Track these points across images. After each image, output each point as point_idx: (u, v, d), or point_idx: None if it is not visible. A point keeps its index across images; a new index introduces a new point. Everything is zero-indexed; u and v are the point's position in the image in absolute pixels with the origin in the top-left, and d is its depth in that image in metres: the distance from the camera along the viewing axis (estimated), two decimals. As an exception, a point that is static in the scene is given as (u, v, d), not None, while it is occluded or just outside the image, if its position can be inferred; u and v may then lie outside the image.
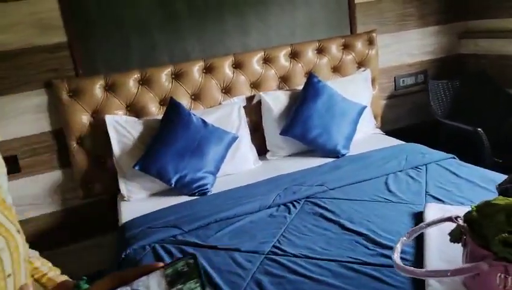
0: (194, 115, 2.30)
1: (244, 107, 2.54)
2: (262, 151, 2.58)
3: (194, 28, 2.46)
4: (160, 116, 2.33)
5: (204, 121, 2.29)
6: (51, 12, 2.17)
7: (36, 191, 2.31)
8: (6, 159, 2.29)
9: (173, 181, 2.17)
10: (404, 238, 1.08)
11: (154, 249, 1.68)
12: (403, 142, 2.53)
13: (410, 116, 3.11)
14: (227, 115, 2.43)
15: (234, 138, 2.35)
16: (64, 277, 0.79)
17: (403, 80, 3.06)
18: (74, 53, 2.26)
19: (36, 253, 0.82)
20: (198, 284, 0.55)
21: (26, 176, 2.27)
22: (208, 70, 2.51)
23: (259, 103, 2.58)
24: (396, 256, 1.00)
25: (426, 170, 2.06)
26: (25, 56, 2.18)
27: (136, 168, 2.17)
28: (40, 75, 2.22)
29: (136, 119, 2.36)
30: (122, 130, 2.27)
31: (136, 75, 2.36)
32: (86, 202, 2.40)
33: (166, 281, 0.54)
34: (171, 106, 2.31)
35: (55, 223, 2.37)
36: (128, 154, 2.25)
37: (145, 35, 2.38)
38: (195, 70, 2.47)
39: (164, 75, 2.41)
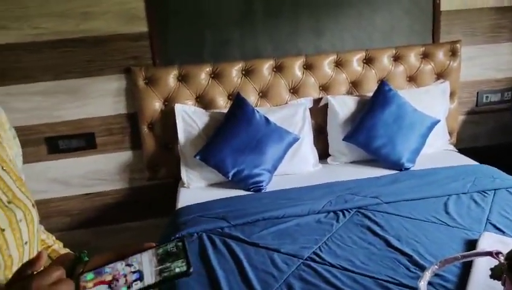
0: (258, 112, 2.34)
1: (310, 109, 2.53)
2: (324, 155, 2.56)
3: (268, 27, 2.49)
4: (226, 110, 2.40)
5: (267, 119, 2.32)
6: (136, 3, 2.33)
7: (107, 168, 2.50)
8: (85, 135, 2.49)
9: (230, 174, 2.23)
10: (436, 266, 1.02)
11: (201, 238, 1.75)
12: (476, 163, 2.36)
13: (490, 135, 2.89)
14: (292, 115, 2.44)
15: (295, 139, 2.35)
16: (67, 250, 0.85)
17: (487, 96, 2.84)
18: (153, 43, 2.40)
19: (41, 227, 0.86)
20: (184, 263, 0.60)
21: (100, 153, 2.47)
22: (278, 69, 2.53)
23: (326, 106, 2.55)
24: (422, 284, 0.95)
25: (494, 195, 1.91)
26: (111, 43, 2.36)
27: (197, 157, 2.26)
28: (122, 61, 2.39)
29: (204, 110, 2.45)
30: (189, 120, 2.37)
31: (208, 68, 2.45)
32: (150, 183, 2.55)
33: (157, 259, 0.61)
34: (237, 101, 2.37)
35: (120, 200, 2.55)
36: (192, 144, 2.35)
37: (220, 30, 2.45)
38: (265, 68, 2.51)
39: (234, 71, 2.48)
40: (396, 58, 2.63)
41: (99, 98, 2.41)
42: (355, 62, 2.58)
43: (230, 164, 2.23)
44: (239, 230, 1.78)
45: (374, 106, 2.42)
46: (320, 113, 2.57)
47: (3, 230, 0.63)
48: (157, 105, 2.43)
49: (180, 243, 0.63)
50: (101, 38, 2.34)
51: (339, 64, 2.58)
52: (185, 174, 2.35)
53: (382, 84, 2.49)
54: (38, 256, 0.54)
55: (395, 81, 2.60)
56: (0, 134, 0.74)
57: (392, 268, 1.43)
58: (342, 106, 2.50)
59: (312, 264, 1.50)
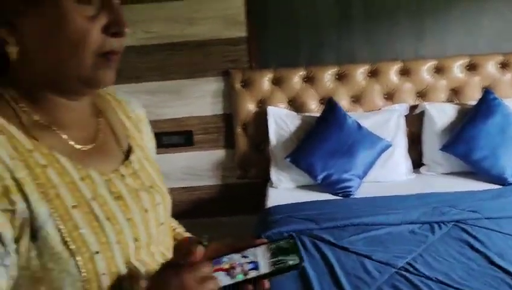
0: (350, 117, 2.32)
1: (405, 115, 2.46)
2: (417, 164, 2.47)
3: (365, 30, 2.47)
4: (318, 114, 2.42)
5: (359, 124, 2.30)
6: (236, 9, 2.44)
7: (202, 164, 2.64)
8: (184, 133, 2.65)
9: (320, 178, 2.25)
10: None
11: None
12: None
13: None
14: (385, 122, 2.39)
15: (387, 146, 2.30)
16: (188, 234, 0.91)
17: None
18: (251, 47, 2.49)
19: None
20: (296, 257, 0.64)
21: (197, 150, 2.62)
22: (373, 74, 2.49)
23: (422, 113, 2.46)
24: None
25: None
26: (212, 47, 2.50)
27: (288, 159, 2.31)
28: (221, 64, 2.52)
29: (295, 113, 2.49)
30: (281, 122, 2.43)
31: (302, 72, 2.49)
32: (240, 182, 2.65)
33: (270, 253, 0.65)
34: (329, 106, 2.38)
35: (213, 195, 2.68)
36: (283, 146, 2.40)
37: (315, 34, 2.48)
38: (360, 72, 2.48)
39: (328, 75, 2.49)
40: (505, 66, 2.46)
41: (199, 99, 2.55)
42: (457, 68, 2.46)
43: (320, 167, 2.25)
44: (328, 233, 1.79)
45: (477, 115, 2.29)
46: (415, 120, 2.48)
47: (146, 211, 0.70)
48: (251, 107, 2.52)
49: (291, 240, 0.67)
50: (203, 43, 2.49)
51: (438, 70, 2.48)
52: (274, 175, 2.40)
53: (486, 92, 2.34)
54: (196, 251, 0.60)
55: (501, 90, 2.44)
56: (142, 129, 0.81)
57: (495, 287, 1.35)
58: (441, 114, 2.40)
59: (406, 274, 1.46)
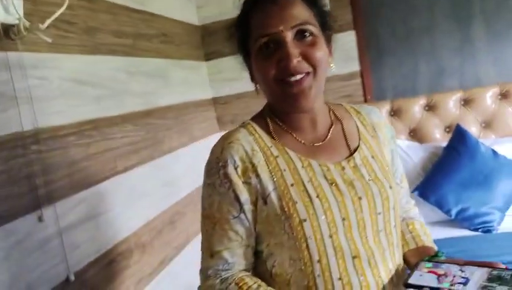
0: (483, 144, 2.12)
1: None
2: None
3: (490, 51, 2.28)
4: (444, 144, 2.26)
5: (494, 152, 2.09)
6: (348, 44, 2.43)
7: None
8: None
9: (453, 212, 2.06)
10: None
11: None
12: None
13: None
14: (525, 147, 2.14)
15: (532, 174, 2.04)
16: (431, 244, 1.01)
17: None
18: (365, 80, 2.45)
19: (421, 218, 1.10)
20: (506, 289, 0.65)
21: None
22: (504, 96, 2.27)
23: None
24: None
25: None
26: (327, 83, 2.48)
27: (415, 193, 2.16)
28: (336, 100, 2.49)
29: (418, 144, 2.35)
30: (403, 154, 2.31)
31: (422, 101, 2.37)
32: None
33: (487, 277, 0.68)
34: (457, 134, 2.20)
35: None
36: (408, 180, 2.26)
37: (435, 61, 2.36)
38: (488, 96, 2.28)
39: (452, 101, 2.33)
40: None
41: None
42: None
43: (453, 200, 2.06)
44: (473, 274, 1.61)
45: None
46: (563, 143, 2.18)
47: (360, 198, 0.86)
48: (369, 141, 2.44)
49: None
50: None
51: None
52: (400, 210, 2.26)
53: None
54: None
55: None
56: (377, 133, 0.98)
57: None
58: None
59: None
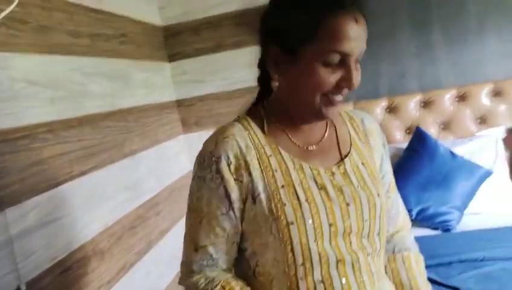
0: (442, 145, 2.18)
1: (503, 139, 2.26)
2: (523, 191, 2.23)
3: (449, 54, 2.36)
4: (405, 145, 2.30)
5: (452, 153, 2.15)
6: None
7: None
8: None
9: (414, 213, 2.10)
10: None
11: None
12: None
13: None
14: (481, 148, 2.21)
15: (487, 173, 2.11)
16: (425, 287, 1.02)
17: None
18: (328, 83, 2.47)
19: (416, 246, 1.09)
20: None
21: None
22: (461, 98, 2.35)
23: (523, 135, 2.25)
24: None
25: None
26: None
27: (377, 194, 2.20)
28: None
29: (381, 146, 2.39)
30: (366, 156, 2.34)
31: (384, 103, 2.41)
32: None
33: None
34: (417, 135, 2.26)
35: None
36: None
37: (396, 64, 2.41)
38: (447, 98, 2.35)
39: (412, 103, 2.38)
40: None
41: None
42: (559, 84, 2.24)
43: (414, 201, 2.11)
44: (432, 272, 1.63)
45: None
46: (516, 144, 2.27)
47: (348, 204, 0.86)
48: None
49: None
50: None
51: (536, 88, 2.27)
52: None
53: None
54: None
55: None
56: (369, 140, 0.98)
57: None
58: (544, 134, 2.17)
59: (533, 316, 1.28)
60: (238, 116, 0.94)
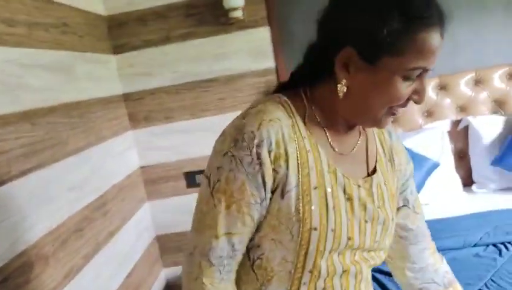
0: (392, 138, 2.23)
1: (448, 132, 2.36)
2: (467, 182, 2.34)
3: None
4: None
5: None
6: (262, 41, 2.41)
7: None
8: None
9: None
10: None
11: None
12: None
13: None
14: (428, 140, 2.29)
15: (435, 165, 2.19)
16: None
17: None
18: (280, 77, 2.45)
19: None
20: None
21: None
22: (409, 92, 2.41)
23: (467, 128, 2.35)
24: None
25: None
26: (241, 80, 2.46)
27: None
28: (251, 96, 2.47)
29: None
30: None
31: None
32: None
33: None
34: (369, 128, 2.29)
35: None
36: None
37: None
38: (395, 92, 2.40)
39: (363, 98, 2.42)
40: (548, 71, 2.35)
41: (232, 133, 2.50)
42: (498, 79, 2.36)
43: None
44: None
45: (526, 124, 2.17)
46: (460, 136, 2.38)
47: (366, 221, 0.84)
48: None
49: None
50: (232, 77, 2.46)
51: (478, 82, 2.38)
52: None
53: (533, 100, 2.23)
54: None
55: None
56: (393, 158, 0.94)
57: None
58: (486, 127, 2.28)
59: (482, 303, 1.33)
60: (278, 96, 0.84)
